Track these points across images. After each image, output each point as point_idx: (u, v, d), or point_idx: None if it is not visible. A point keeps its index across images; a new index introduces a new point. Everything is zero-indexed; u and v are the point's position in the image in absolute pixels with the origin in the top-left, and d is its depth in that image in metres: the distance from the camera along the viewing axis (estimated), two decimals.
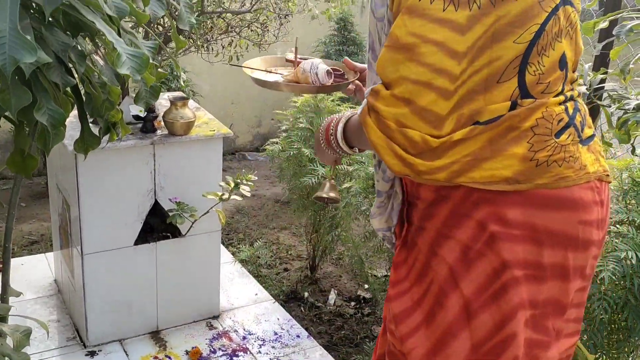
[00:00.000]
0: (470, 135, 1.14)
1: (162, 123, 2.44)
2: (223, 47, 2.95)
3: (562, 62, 1.20)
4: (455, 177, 1.16)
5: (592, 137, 1.27)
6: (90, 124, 1.66)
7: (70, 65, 1.31)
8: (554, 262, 1.20)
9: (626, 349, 2.25)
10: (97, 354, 2.52)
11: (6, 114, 1.23)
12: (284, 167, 3.18)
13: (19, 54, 1.00)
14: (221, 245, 3.37)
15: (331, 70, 1.55)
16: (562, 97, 1.20)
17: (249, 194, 2.40)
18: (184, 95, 2.50)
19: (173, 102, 2.38)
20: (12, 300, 2.83)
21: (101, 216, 2.39)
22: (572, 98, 1.24)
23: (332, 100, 3.26)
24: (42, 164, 4.17)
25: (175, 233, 2.60)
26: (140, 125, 2.44)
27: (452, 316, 1.22)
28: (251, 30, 2.89)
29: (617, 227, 2.16)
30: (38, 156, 1.48)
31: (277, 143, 3.17)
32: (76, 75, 1.37)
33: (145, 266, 2.55)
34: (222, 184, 2.42)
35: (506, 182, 1.15)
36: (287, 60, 1.72)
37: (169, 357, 2.54)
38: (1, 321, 1.68)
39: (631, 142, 2.85)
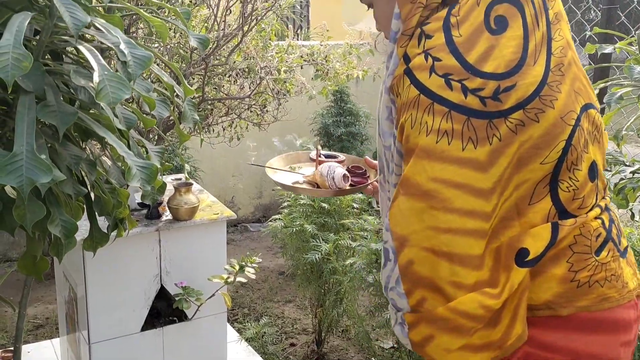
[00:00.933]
0: (524, 281, 1.08)
1: (167, 208, 2.48)
2: (224, 129, 3.03)
3: (592, 173, 1.14)
4: (522, 317, 1.09)
5: (627, 247, 1.20)
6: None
7: (82, 173, 1.37)
8: None
9: None
10: None
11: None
12: (287, 243, 3.21)
13: (35, 175, 1.05)
14: (227, 324, 3.36)
15: (348, 174, 1.55)
16: (597, 210, 1.14)
17: (254, 276, 2.42)
18: (188, 180, 2.56)
19: (177, 189, 2.43)
20: None
21: (108, 304, 2.41)
22: (606, 208, 1.18)
23: None
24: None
25: (182, 317, 2.60)
26: (145, 211, 2.49)
27: None
28: (250, 112, 2.97)
29: None
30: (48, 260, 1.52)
31: (279, 219, 3.21)
32: (87, 182, 1.42)
33: (152, 351, 2.54)
34: (227, 267, 2.45)
35: (546, 307, 1.10)
36: (310, 159, 1.74)
37: None
38: None
39: (629, 207, 2.89)
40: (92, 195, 1.55)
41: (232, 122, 3.02)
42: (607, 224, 1.14)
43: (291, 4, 3.54)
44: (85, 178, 1.35)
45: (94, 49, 1.12)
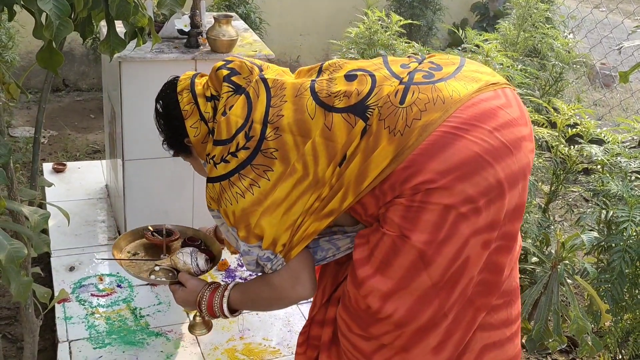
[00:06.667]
0: (341, 173, 1.33)
1: (207, 40, 2.49)
2: None
3: (350, 77, 1.38)
4: (357, 191, 1.32)
5: (457, 69, 1.36)
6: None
7: None
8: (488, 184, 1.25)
9: None
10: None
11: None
12: None
13: None
14: None
15: (207, 257, 1.77)
16: (393, 81, 1.34)
17: None
18: (229, 13, 2.54)
19: (217, 19, 2.42)
20: (64, 199, 3.04)
21: (143, 125, 2.50)
22: (411, 72, 1.36)
23: (387, 34, 3.22)
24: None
25: None
26: (185, 40, 2.51)
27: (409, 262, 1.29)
28: None
29: None
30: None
31: None
32: None
33: (183, 177, 2.66)
34: None
35: (392, 163, 1.26)
36: (147, 239, 1.90)
37: None
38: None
39: None
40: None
41: None
42: (406, 79, 1.34)
43: None
44: None
45: None
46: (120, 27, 1.93)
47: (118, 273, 2.55)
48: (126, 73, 2.37)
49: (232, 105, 1.47)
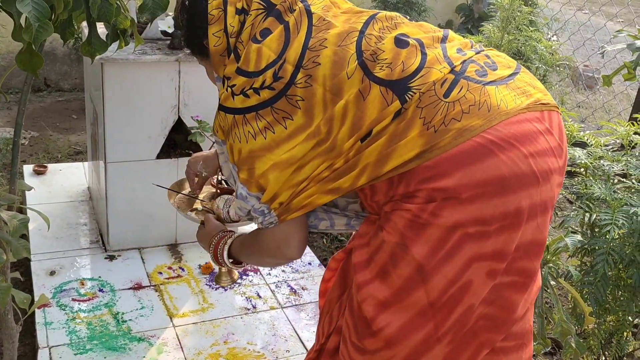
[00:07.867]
0: (361, 149, 1.23)
1: None
2: None
3: (399, 42, 1.27)
4: (373, 175, 1.23)
5: (512, 75, 1.27)
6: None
7: None
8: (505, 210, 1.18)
9: (636, 310, 2.20)
10: (116, 258, 2.66)
11: None
12: None
13: None
14: None
15: None
16: (444, 66, 1.23)
17: None
18: None
19: None
20: (44, 201, 2.99)
21: (125, 127, 2.48)
22: (466, 61, 1.26)
23: None
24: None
25: (197, 150, 2.66)
26: (168, 41, 2.49)
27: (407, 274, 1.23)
28: None
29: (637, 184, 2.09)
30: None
31: None
32: None
33: (167, 180, 2.63)
34: None
35: (417, 158, 1.19)
36: (212, 184, 1.88)
37: (182, 269, 2.65)
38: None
39: None
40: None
41: None
42: (458, 68, 1.24)
43: None
44: None
45: None
46: (102, 29, 1.91)
47: (100, 277, 2.52)
48: (109, 74, 2.35)
49: (264, 30, 1.33)
